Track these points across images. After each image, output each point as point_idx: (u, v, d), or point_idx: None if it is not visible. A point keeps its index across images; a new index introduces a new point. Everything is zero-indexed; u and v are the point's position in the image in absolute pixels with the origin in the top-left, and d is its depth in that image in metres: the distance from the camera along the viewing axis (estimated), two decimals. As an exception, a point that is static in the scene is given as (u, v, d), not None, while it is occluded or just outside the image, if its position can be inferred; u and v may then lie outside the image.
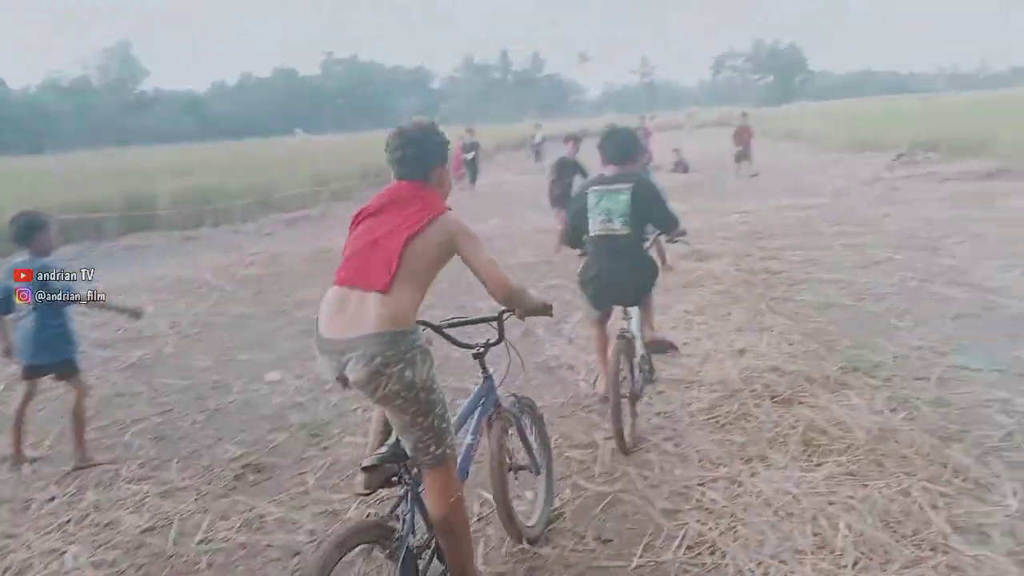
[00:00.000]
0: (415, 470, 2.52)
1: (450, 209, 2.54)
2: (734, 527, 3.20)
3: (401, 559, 2.34)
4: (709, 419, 4.34)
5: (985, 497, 3.34)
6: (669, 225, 4.34)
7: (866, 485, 3.37)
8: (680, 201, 13.31)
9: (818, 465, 3.63)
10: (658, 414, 4.54)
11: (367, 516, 3.40)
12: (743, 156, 18.61)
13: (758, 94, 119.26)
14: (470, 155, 18.72)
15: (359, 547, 2.30)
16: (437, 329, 2.88)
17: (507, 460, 3.08)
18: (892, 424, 3.95)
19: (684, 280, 7.69)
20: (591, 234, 4.30)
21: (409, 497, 2.49)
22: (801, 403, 4.31)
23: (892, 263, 8.16)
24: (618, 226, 4.18)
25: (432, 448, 2.43)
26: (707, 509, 3.38)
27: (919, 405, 4.38)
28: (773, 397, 4.46)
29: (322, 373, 2.61)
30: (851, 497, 3.28)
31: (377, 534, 2.35)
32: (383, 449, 2.53)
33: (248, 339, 6.85)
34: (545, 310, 2.77)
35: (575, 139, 9.65)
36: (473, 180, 19.13)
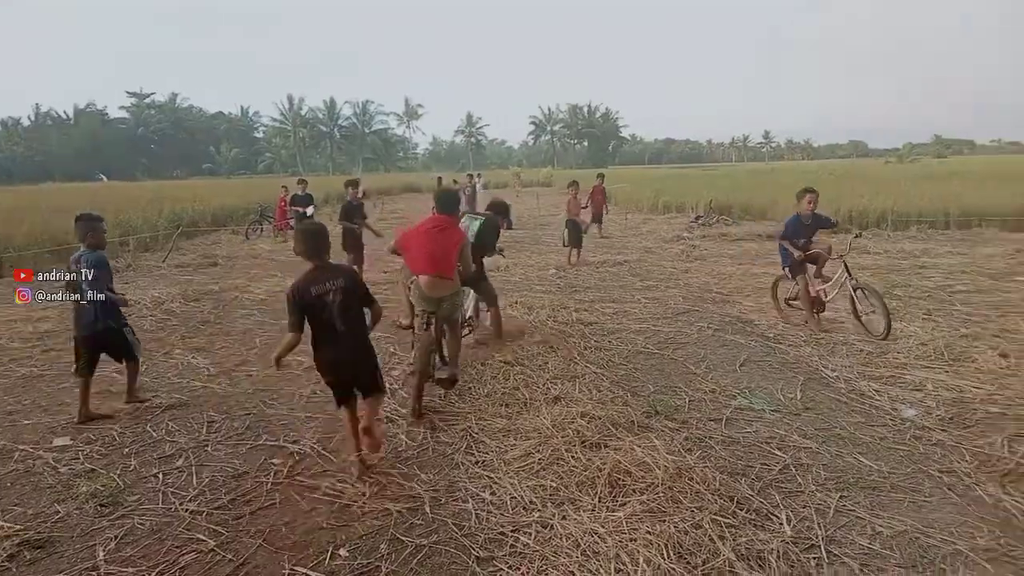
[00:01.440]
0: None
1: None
2: (544, 570, 3.30)
3: None
4: (524, 466, 4.47)
5: (765, 525, 3.70)
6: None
7: (664, 521, 3.61)
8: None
9: (622, 504, 3.84)
10: (476, 463, 4.61)
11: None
12: (598, 217, 18.07)
13: (576, 157, 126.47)
14: (308, 210, 16.60)
15: None
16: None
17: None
18: (688, 463, 4.27)
19: (505, 331, 7.90)
20: None
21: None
22: (608, 446, 4.55)
23: (691, 314, 8.90)
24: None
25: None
26: (520, 554, 3.47)
27: (712, 444, 4.79)
28: (583, 442, 4.67)
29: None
30: (650, 532, 3.50)
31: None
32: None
33: (35, 401, 6.16)
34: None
35: (353, 184, 11.43)
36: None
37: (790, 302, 8.42)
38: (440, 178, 32.54)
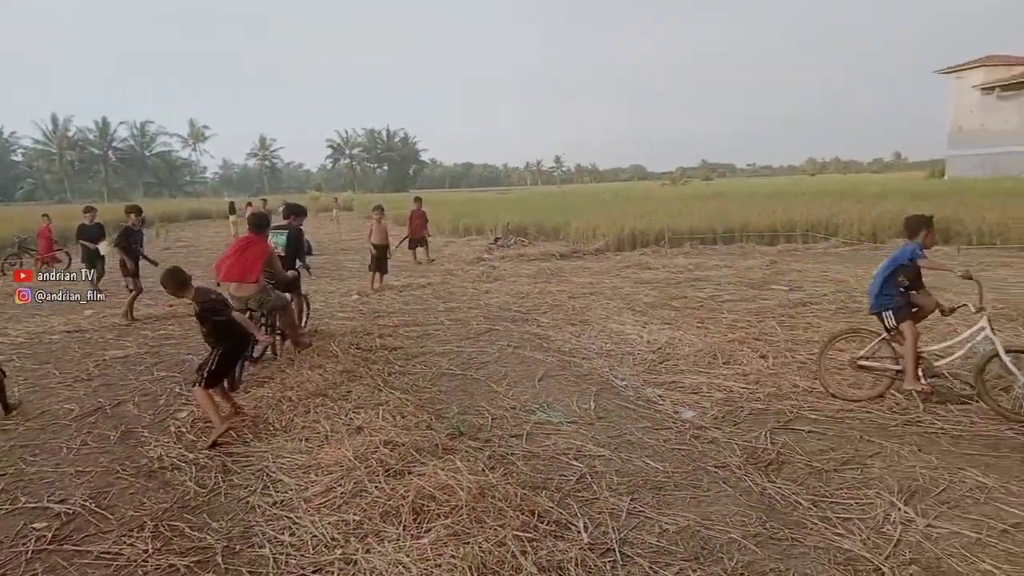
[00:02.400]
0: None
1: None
2: (348, 609, 3.17)
3: None
4: (325, 502, 4.30)
5: (564, 535, 3.84)
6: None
7: (468, 543, 3.63)
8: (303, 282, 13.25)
9: (427, 531, 3.81)
10: (274, 504, 4.36)
11: None
12: (418, 242, 17.61)
13: (377, 181, 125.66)
14: (101, 246, 13.67)
15: None
16: None
17: None
18: (491, 481, 4.33)
19: (309, 363, 7.61)
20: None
21: None
22: (412, 473, 4.51)
23: (492, 333, 9.11)
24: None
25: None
26: (322, 596, 3.31)
27: (514, 460, 4.91)
28: (387, 471, 4.59)
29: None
30: (455, 556, 3.50)
31: None
32: None
33: None
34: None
35: (135, 211, 11.36)
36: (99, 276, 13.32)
37: (862, 363, 6.25)
38: (232, 203, 30.89)
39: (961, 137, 55.31)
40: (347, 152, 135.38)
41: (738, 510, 4.12)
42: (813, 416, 5.66)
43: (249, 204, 27.70)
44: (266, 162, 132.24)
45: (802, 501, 4.19)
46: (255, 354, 7.46)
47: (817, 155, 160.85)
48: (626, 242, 19.23)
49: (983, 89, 52.74)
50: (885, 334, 6.10)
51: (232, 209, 28.89)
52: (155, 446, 5.46)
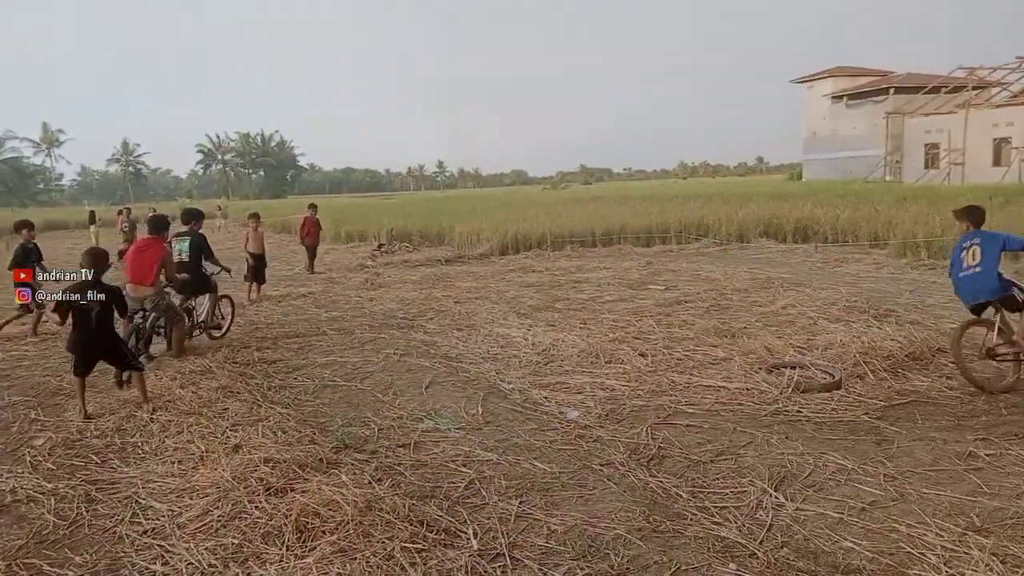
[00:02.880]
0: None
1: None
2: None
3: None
4: (201, 527, 4.07)
5: (454, 543, 3.81)
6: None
7: (355, 559, 3.54)
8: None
9: (312, 549, 3.68)
10: (145, 533, 4.09)
11: None
12: (312, 251, 16.97)
13: (252, 187, 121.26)
14: None
15: None
16: None
17: None
18: (378, 493, 4.24)
19: (180, 382, 7.20)
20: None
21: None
22: (295, 490, 4.35)
23: (377, 342, 8.96)
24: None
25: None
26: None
27: (401, 471, 4.84)
28: (268, 489, 4.41)
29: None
30: (341, 573, 3.40)
31: None
32: None
33: None
34: None
35: (27, 226, 10.47)
36: None
37: (997, 353, 6.11)
38: (93, 212, 28.83)
39: (815, 142, 59.73)
40: (219, 157, 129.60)
41: (623, 506, 4.24)
42: (690, 411, 5.91)
43: (120, 213, 25.98)
44: (130, 168, 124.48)
45: (682, 493, 4.36)
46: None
47: (688, 159, 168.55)
48: (510, 246, 19.44)
49: (832, 97, 57.22)
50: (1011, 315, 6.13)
51: (92, 218, 26.93)
52: (8, 478, 5.00)
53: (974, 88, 43.47)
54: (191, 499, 4.47)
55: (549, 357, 7.72)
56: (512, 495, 4.43)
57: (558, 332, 8.72)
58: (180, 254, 8.85)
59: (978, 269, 6.07)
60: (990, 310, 6.26)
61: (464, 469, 4.85)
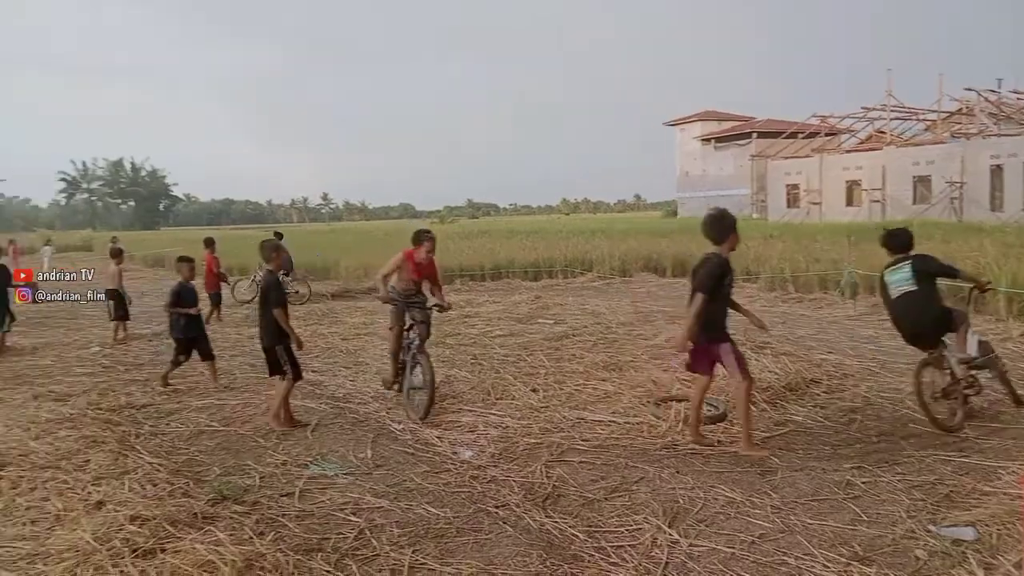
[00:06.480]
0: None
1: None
2: None
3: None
4: (55, 598, 3.66)
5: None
6: None
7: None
8: (23, 336, 11.59)
9: (184, 617, 3.37)
10: (-14, 609, 3.63)
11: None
12: (217, 295, 14.77)
13: (122, 218, 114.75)
14: None
15: None
16: None
17: None
18: (259, 550, 3.96)
19: (34, 432, 6.50)
20: None
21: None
22: (166, 551, 3.99)
23: (259, 383, 8.50)
24: None
25: None
26: None
27: (285, 522, 4.56)
28: (134, 551, 4.01)
29: None
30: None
31: None
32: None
33: None
34: None
35: None
36: None
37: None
38: None
39: (688, 181, 63.16)
40: (85, 186, 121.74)
41: (519, 550, 4.15)
42: (583, 447, 5.92)
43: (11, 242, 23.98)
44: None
45: (578, 534, 4.32)
46: None
47: (570, 196, 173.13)
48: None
49: (702, 140, 60.83)
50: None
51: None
52: None
53: (826, 134, 47.20)
54: (44, 565, 4.02)
55: (440, 395, 7.56)
56: (405, 544, 4.24)
57: (449, 368, 8.60)
58: None
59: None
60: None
61: (353, 518, 4.62)
